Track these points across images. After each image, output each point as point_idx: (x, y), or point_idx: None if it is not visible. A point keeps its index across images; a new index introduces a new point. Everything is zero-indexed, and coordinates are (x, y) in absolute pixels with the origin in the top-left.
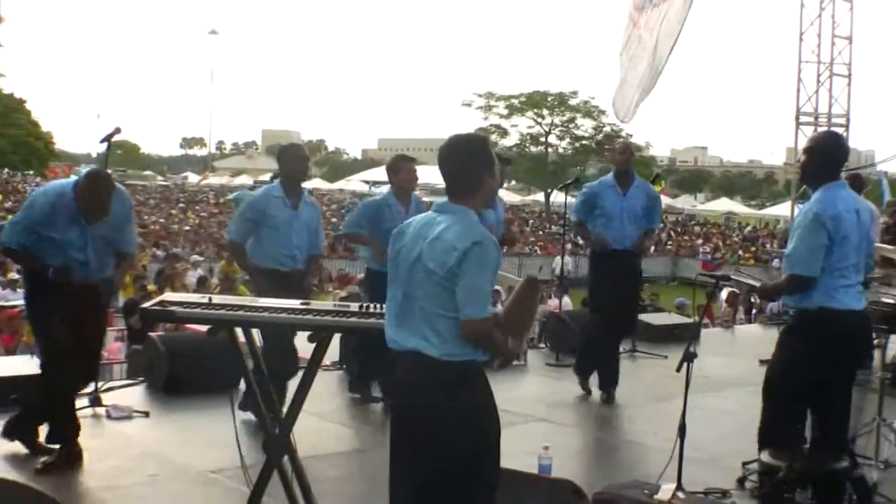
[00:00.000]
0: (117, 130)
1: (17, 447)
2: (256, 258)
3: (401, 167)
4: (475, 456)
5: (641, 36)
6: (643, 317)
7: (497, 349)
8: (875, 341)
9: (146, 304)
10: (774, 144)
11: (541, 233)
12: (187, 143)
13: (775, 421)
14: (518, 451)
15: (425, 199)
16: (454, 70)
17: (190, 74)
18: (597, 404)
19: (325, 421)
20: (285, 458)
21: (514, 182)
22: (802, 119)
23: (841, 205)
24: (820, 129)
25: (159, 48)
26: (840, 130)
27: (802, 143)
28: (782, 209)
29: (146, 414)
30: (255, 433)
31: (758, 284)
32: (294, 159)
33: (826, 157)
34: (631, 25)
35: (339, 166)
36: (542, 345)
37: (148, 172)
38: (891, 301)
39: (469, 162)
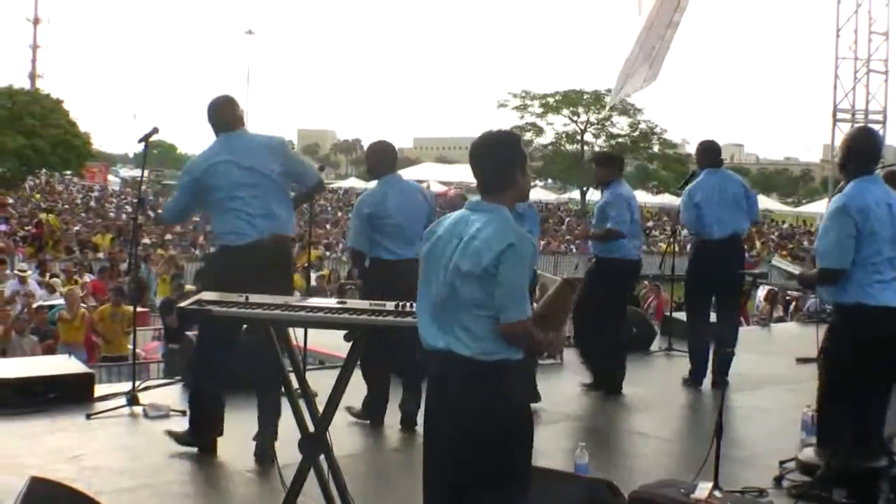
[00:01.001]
0: (155, 130)
1: (60, 444)
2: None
3: None
4: (509, 454)
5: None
6: (679, 314)
7: (537, 348)
8: None
9: (183, 303)
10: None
11: (577, 231)
12: None
13: (825, 418)
14: (554, 449)
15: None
16: (490, 68)
17: (226, 74)
18: (631, 403)
19: (359, 419)
20: (322, 456)
21: (549, 180)
22: (839, 116)
23: (870, 197)
24: (856, 126)
25: (196, 48)
26: (877, 127)
27: (839, 140)
28: (819, 206)
29: (183, 413)
30: (294, 432)
31: (797, 272)
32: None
33: (859, 152)
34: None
35: None
36: None
37: None
38: None
39: (501, 159)
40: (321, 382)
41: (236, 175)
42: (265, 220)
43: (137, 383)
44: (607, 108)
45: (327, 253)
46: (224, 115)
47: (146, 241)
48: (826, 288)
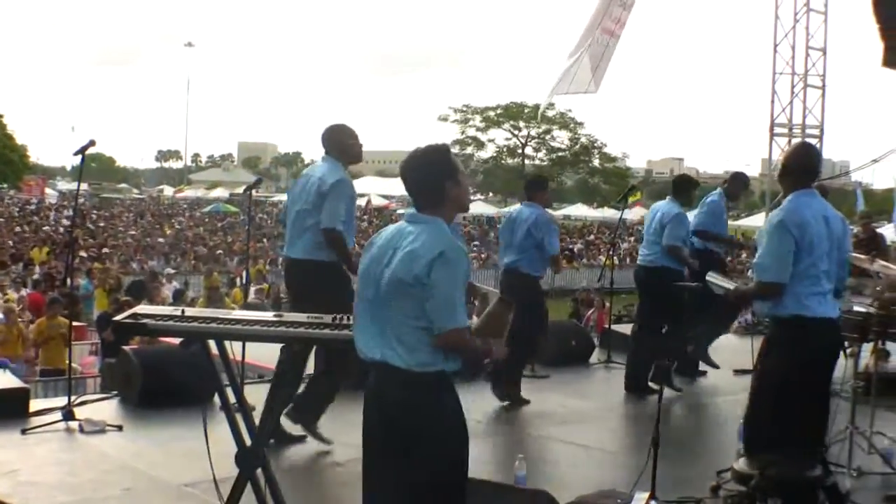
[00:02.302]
0: (91, 143)
1: None
2: None
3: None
4: (445, 465)
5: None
6: (619, 327)
7: (475, 357)
8: (848, 350)
9: (118, 317)
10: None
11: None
12: (163, 155)
13: (757, 429)
14: (494, 461)
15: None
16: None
17: (166, 87)
18: (572, 415)
19: (301, 433)
20: (259, 470)
21: (490, 194)
22: (777, 130)
23: (808, 212)
24: (794, 141)
25: (135, 60)
26: (814, 141)
27: (777, 154)
28: (758, 220)
29: (120, 428)
30: (231, 446)
31: (731, 287)
32: None
33: (798, 167)
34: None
35: None
36: None
37: (123, 185)
38: (862, 310)
39: (429, 173)
40: (260, 396)
41: None
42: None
43: (74, 398)
44: (543, 104)
45: (268, 267)
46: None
47: (83, 254)
48: (763, 301)
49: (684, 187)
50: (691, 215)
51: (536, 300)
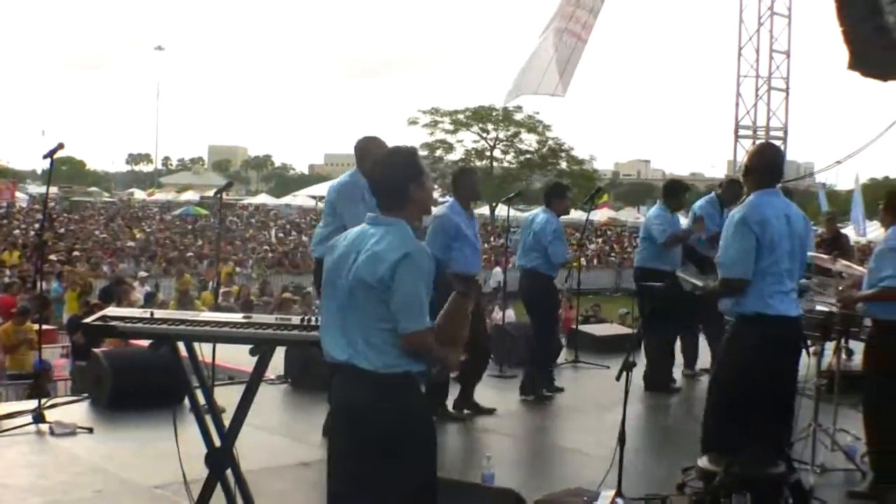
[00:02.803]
0: (60, 146)
1: None
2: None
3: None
4: (413, 465)
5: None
6: (586, 327)
7: (436, 359)
8: (811, 349)
9: (87, 320)
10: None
11: (486, 245)
12: (133, 159)
13: (717, 426)
14: (462, 460)
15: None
16: (401, 86)
17: (136, 90)
18: (539, 414)
19: (270, 434)
20: (228, 471)
21: None
22: (741, 132)
23: (769, 210)
24: (758, 142)
25: (105, 64)
26: (778, 143)
27: (741, 155)
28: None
29: (90, 430)
30: (201, 447)
31: (700, 283)
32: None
33: (761, 167)
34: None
35: (285, 182)
36: None
37: (94, 189)
38: (825, 309)
39: (393, 174)
40: (230, 398)
41: None
42: None
43: (44, 400)
44: (506, 96)
45: (238, 269)
46: None
47: (53, 257)
48: (727, 299)
49: (674, 191)
50: (685, 221)
51: (548, 299)
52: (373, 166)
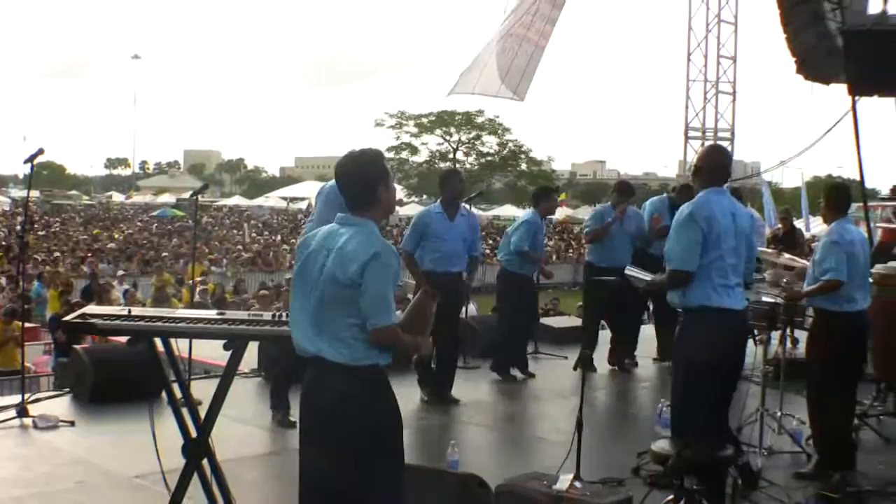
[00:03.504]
0: (40, 151)
1: None
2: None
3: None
4: (381, 454)
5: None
6: (546, 320)
7: (405, 351)
8: (758, 338)
9: (68, 318)
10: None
11: None
12: (112, 163)
13: (678, 412)
14: (428, 448)
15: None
16: (367, 92)
17: (114, 97)
18: (503, 403)
19: (244, 425)
20: (205, 460)
21: (424, 196)
22: (691, 134)
23: (716, 207)
24: (707, 143)
25: (84, 72)
26: (725, 144)
27: (691, 156)
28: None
29: (72, 423)
30: (179, 438)
31: (648, 279)
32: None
33: (710, 166)
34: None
35: (258, 184)
36: None
37: (74, 192)
38: (770, 300)
39: (362, 175)
40: (205, 391)
41: None
42: None
43: (27, 396)
44: (445, 94)
45: (213, 268)
46: None
47: (36, 258)
48: (675, 292)
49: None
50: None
51: (511, 293)
52: (342, 169)
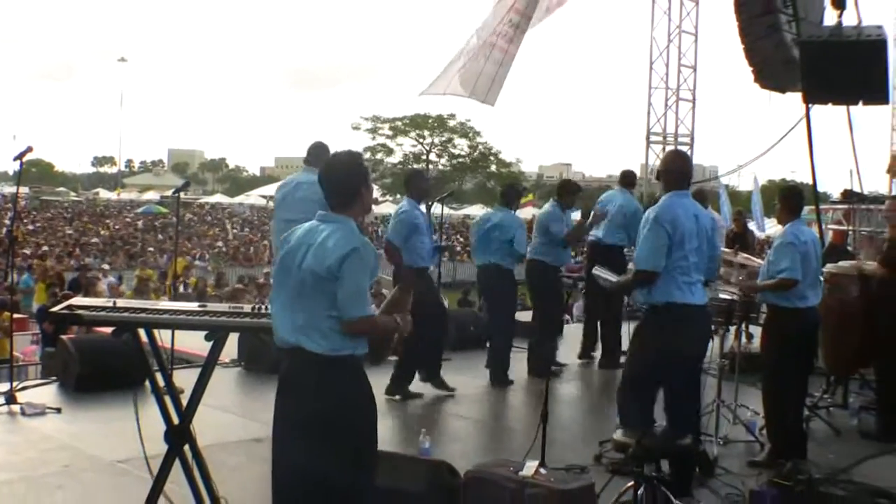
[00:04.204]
0: (29, 149)
1: None
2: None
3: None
4: (356, 441)
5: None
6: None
7: (386, 335)
8: (715, 332)
9: (55, 309)
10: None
11: None
12: (99, 161)
13: (631, 404)
14: (401, 436)
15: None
16: (344, 95)
17: (101, 98)
18: (471, 393)
19: (224, 413)
20: (186, 447)
21: (398, 195)
22: (653, 138)
23: (680, 210)
24: (668, 148)
25: (72, 74)
26: (685, 148)
27: (653, 159)
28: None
29: (59, 410)
30: (161, 425)
31: (613, 279)
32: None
33: (674, 171)
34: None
35: (239, 182)
36: None
37: (62, 189)
38: (727, 297)
39: (346, 176)
40: (187, 380)
41: None
42: None
43: (15, 384)
44: (418, 94)
45: (196, 262)
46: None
47: (24, 251)
48: (640, 290)
49: (568, 191)
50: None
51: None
52: (329, 170)
